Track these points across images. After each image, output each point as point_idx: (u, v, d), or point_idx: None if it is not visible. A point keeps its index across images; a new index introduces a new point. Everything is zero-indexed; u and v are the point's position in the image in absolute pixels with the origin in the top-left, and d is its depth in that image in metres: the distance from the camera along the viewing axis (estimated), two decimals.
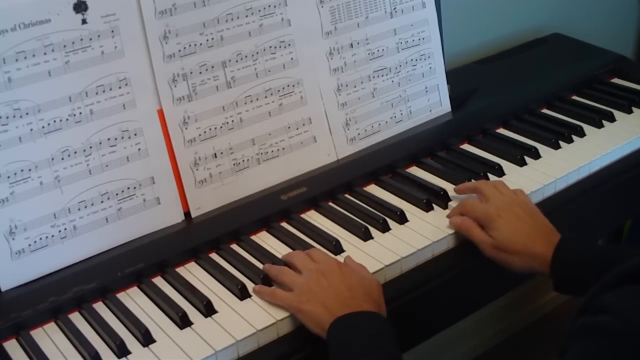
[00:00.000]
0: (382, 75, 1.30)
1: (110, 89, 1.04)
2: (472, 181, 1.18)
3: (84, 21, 1.01)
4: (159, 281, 1.02)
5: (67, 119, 1.01)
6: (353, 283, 0.94)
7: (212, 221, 1.11)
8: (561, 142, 1.31)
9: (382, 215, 1.12)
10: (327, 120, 1.24)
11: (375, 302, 0.93)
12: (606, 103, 1.44)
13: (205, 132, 1.12)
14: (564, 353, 0.72)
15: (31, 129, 0.99)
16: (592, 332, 0.70)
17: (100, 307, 0.98)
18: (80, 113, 1.03)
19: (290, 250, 1.06)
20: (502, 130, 1.37)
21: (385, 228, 1.10)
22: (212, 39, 1.11)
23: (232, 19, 1.13)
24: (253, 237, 1.10)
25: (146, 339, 0.92)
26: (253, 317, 0.94)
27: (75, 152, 1.03)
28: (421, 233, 1.09)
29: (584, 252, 1.00)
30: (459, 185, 1.16)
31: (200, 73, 1.11)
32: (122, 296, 1.00)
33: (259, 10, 1.15)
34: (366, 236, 1.09)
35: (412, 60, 1.33)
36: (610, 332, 0.68)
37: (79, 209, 1.03)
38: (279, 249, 1.07)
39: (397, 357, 0.87)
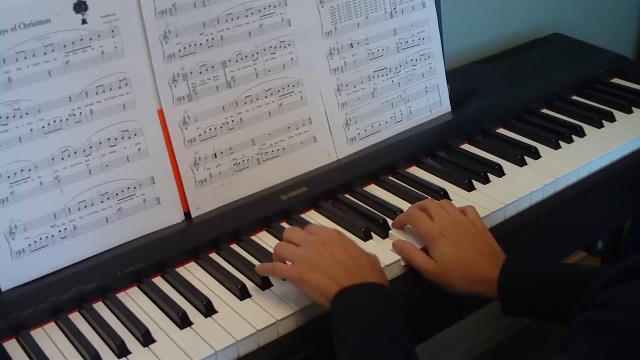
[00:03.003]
0: (382, 75, 1.30)
1: (110, 89, 1.04)
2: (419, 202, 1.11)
3: (84, 21, 1.01)
4: (159, 281, 1.02)
5: (67, 119, 1.01)
6: (355, 253, 0.93)
7: (212, 221, 1.11)
8: (561, 142, 1.31)
9: (382, 215, 1.12)
10: (327, 120, 1.24)
11: (379, 272, 0.93)
12: (606, 103, 1.44)
13: (205, 132, 1.12)
14: (566, 348, 0.72)
15: (31, 129, 0.99)
16: (596, 327, 0.69)
17: (100, 307, 0.98)
18: (80, 113, 1.03)
19: None
20: (502, 130, 1.37)
21: (385, 228, 1.10)
22: (212, 39, 1.11)
23: (232, 19, 1.13)
24: (253, 237, 1.10)
25: (146, 339, 0.92)
26: (253, 317, 0.94)
27: (75, 152, 1.03)
28: None
29: (530, 272, 0.97)
30: (399, 216, 1.10)
31: (200, 73, 1.11)
32: (122, 296, 1.00)
33: (259, 10, 1.15)
34: (366, 236, 1.09)
35: (412, 60, 1.33)
36: (615, 326, 0.68)
37: (79, 209, 1.03)
38: None
39: (403, 330, 0.86)
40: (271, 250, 1.06)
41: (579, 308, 0.74)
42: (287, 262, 0.96)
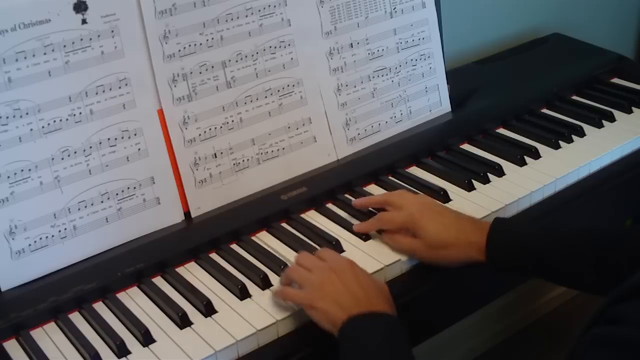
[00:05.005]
0: (382, 75, 1.30)
1: (110, 89, 1.04)
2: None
3: (84, 21, 1.01)
4: (159, 281, 1.02)
5: (67, 119, 1.01)
6: (366, 282, 0.93)
7: (212, 221, 1.11)
8: (561, 142, 1.31)
9: None
10: (327, 120, 1.24)
11: (389, 302, 0.93)
12: (606, 103, 1.44)
13: (205, 132, 1.12)
14: None
15: (31, 129, 0.99)
16: (608, 343, 0.68)
17: (100, 307, 0.98)
18: (80, 113, 1.03)
19: (291, 251, 1.06)
20: (502, 130, 1.37)
21: None
22: (212, 39, 1.11)
23: (232, 19, 1.13)
24: (253, 237, 1.10)
25: (146, 339, 0.92)
26: (253, 317, 0.94)
27: (75, 152, 1.03)
28: None
29: (518, 231, 1.01)
30: (368, 225, 1.09)
31: (200, 73, 1.11)
32: (122, 296, 1.00)
33: (259, 10, 1.15)
34: (366, 236, 1.09)
35: (412, 60, 1.33)
36: (628, 343, 0.66)
37: (79, 209, 1.03)
38: (279, 249, 1.07)
39: (410, 358, 0.86)
40: (271, 251, 1.07)
41: (588, 322, 0.73)
42: (296, 285, 0.96)
